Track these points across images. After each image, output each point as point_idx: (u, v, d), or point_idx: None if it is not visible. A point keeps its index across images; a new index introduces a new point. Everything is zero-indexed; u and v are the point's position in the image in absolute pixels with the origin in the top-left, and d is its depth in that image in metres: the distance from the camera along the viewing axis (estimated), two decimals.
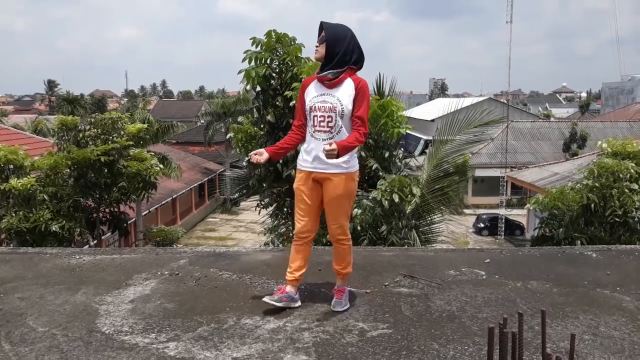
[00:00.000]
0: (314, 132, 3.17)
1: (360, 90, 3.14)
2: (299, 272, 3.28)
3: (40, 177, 8.24)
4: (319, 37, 3.18)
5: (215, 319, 3.12)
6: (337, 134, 3.13)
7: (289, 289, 3.26)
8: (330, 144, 2.93)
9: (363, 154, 6.75)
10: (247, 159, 7.94)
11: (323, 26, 3.17)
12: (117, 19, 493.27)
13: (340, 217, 3.25)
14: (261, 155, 3.21)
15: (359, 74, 3.25)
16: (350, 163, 3.20)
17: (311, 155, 3.18)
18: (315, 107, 3.16)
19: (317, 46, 3.19)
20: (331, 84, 3.15)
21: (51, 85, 72.19)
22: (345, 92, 3.13)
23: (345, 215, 3.31)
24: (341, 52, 3.11)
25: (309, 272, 3.86)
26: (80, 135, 9.13)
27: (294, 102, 6.63)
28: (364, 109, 3.14)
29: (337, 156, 2.96)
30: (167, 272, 4.01)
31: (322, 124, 3.14)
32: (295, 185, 3.30)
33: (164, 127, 24.01)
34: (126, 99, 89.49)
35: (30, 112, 66.71)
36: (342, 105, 3.11)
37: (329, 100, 3.13)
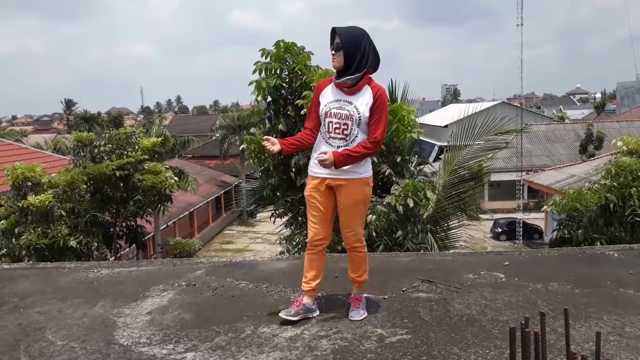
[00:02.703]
0: (328, 138, 3.10)
1: (379, 98, 3.07)
2: (315, 282, 3.23)
3: (58, 193, 8.33)
4: (332, 44, 3.06)
5: (233, 329, 3.11)
6: (352, 142, 3.06)
7: (305, 299, 3.22)
8: (325, 153, 2.98)
9: (375, 159, 6.73)
10: (261, 168, 7.96)
11: (337, 32, 3.05)
12: (130, 36, 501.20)
13: (355, 224, 3.20)
14: (274, 144, 3.13)
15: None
16: (364, 168, 3.16)
17: None
18: (330, 112, 3.08)
19: (333, 54, 3.06)
20: (350, 90, 3.08)
21: (69, 104, 73.32)
22: (363, 100, 3.06)
23: (361, 222, 3.26)
24: (358, 57, 3.01)
25: (326, 279, 3.84)
26: (96, 150, 9.24)
27: (305, 110, 6.64)
28: (379, 118, 3.08)
29: (336, 166, 2.99)
30: (184, 283, 4.01)
31: (337, 130, 3.08)
32: (307, 192, 3.23)
33: (180, 142, 24.25)
34: (142, 116, 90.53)
35: (49, 131, 67.88)
36: (359, 113, 3.04)
37: (345, 108, 3.06)
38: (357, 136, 3.07)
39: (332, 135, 3.09)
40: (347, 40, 3.02)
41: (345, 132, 3.07)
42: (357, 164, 3.10)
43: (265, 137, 3.21)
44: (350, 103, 3.06)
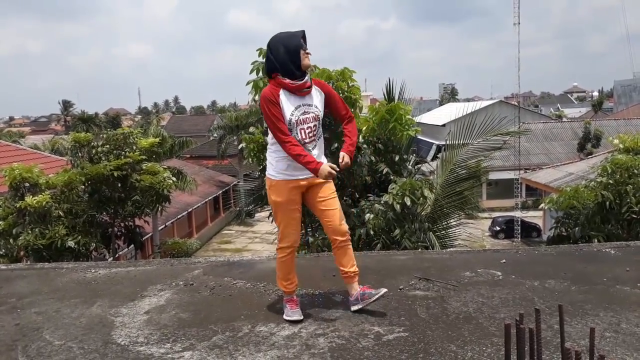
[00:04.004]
0: (304, 145, 3.10)
1: (328, 89, 3.28)
2: (296, 279, 3.32)
3: (56, 194, 8.33)
4: (305, 44, 3.18)
5: (230, 327, 3.11)
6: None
7: (294, 297, 3.29)
8: (344, 158, 3.12)
9: (373, 158, 6.73)
10: (259, 168, 7.95)
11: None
12: (128, 37, 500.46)
13: (341, 212, 3.26)
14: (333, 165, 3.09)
15: None
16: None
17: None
18: (300, 120, 3.09)
19: (309, 53, 3.17)
20: (307, 91, 3.14)
21: (66, 105, 73.07)
22: (316, 97, 3.19)
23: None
24: None
25: (324, 278, 3.86)
26: (94, 151, 9.23)
27: None
28: (338, 99, 3.31)
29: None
30: (181, 283, 4.02)
31: (310, 135, 3.13)
32: (284, 198, 3.15)
33: (178, 142, 24.24)
34: (140, 116, 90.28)
35: (46, 132, 67.65)
36: (319, 111, 3.18)
37: (309, 111, 3.13)
38: (321, 133, 3.22)
39: (306, 141, 3.12)
40: None
41: (315, 133, 3.16)
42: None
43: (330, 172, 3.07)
44: (310, 105, 3.15)
